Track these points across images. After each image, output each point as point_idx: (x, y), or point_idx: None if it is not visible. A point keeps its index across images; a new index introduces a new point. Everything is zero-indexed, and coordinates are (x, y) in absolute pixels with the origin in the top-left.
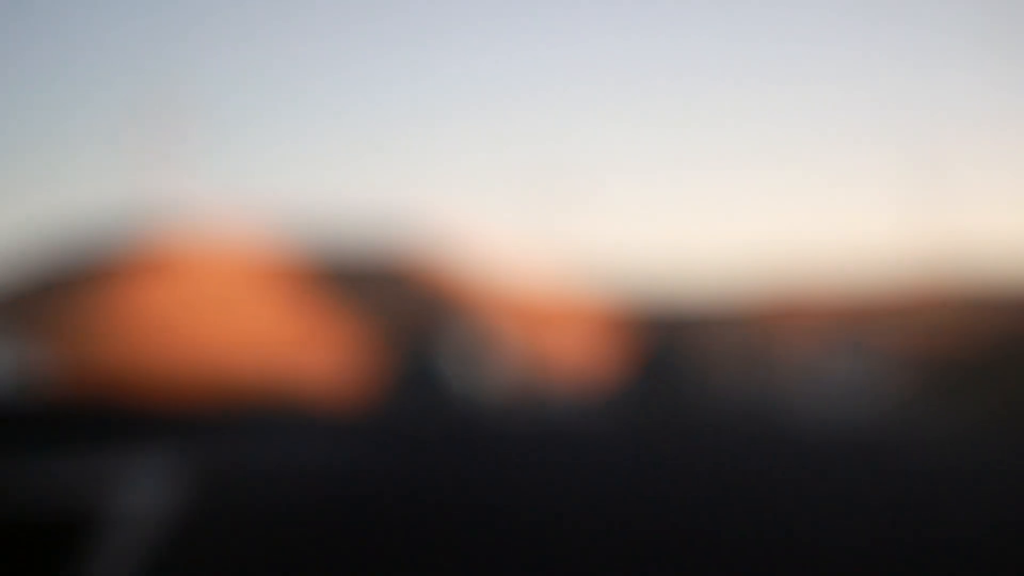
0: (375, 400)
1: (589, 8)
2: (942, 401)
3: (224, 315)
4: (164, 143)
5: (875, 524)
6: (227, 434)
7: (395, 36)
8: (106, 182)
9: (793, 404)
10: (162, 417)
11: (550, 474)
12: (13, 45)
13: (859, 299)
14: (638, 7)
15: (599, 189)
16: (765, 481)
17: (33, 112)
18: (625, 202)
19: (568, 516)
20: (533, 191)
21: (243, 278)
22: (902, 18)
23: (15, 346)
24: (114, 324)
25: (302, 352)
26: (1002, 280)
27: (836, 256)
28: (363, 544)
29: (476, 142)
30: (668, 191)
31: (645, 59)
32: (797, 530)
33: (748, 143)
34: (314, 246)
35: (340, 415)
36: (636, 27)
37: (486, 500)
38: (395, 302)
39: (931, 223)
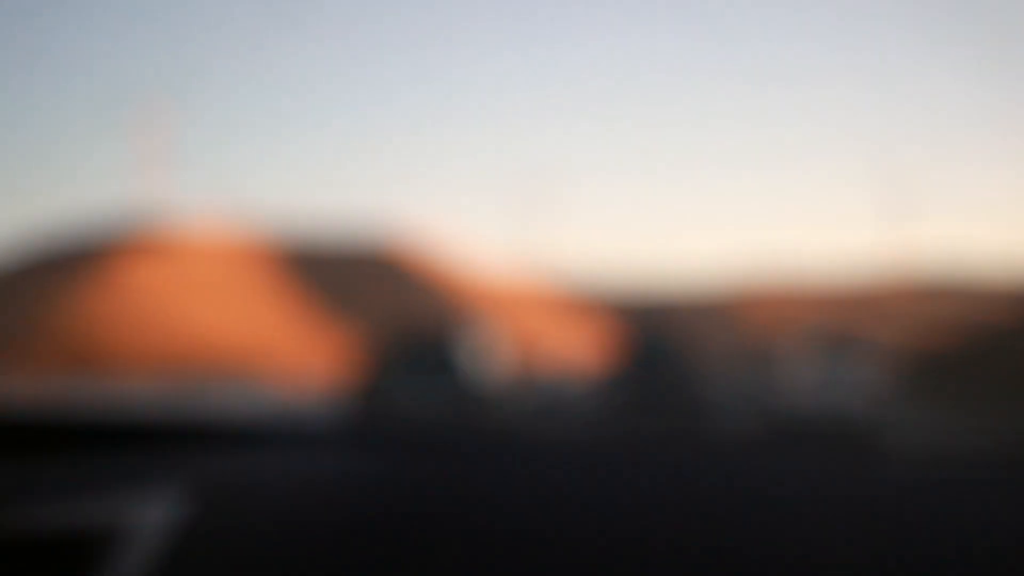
0: (372, 390)
1: (581, 12)
2: (922, 392)
3: (220, 299)
4: (160, 133)
5: (859, 514)
6: (231, 446)
7: (390, 38)
8: (103, 170)
9: (777, 393)
10: (166, 430)
11: (553, 466)
12: (14, 43)
13: (841, 290)
14: (619, 14)
15: (586, 183)
16: (753, 470)
17: (35, 105)
18: (611, 196)
19: (571, 507)
20: (522, 186)
21: (238, 264)
22: (885, 20)
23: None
24: (107, 303)
25: (298, 342)
26: (984, 272)
27: (819, 247)
28: (367, 554)
29: (466, 138)
30: (655, 186)
31: (637, 60)
32: (787, 520)
33: (731, 140)
34: (306, 236)
35: (341, 410)
36: (621, 30)
37: (492, 501)
38: (393, 293)
39: (912, 217)
